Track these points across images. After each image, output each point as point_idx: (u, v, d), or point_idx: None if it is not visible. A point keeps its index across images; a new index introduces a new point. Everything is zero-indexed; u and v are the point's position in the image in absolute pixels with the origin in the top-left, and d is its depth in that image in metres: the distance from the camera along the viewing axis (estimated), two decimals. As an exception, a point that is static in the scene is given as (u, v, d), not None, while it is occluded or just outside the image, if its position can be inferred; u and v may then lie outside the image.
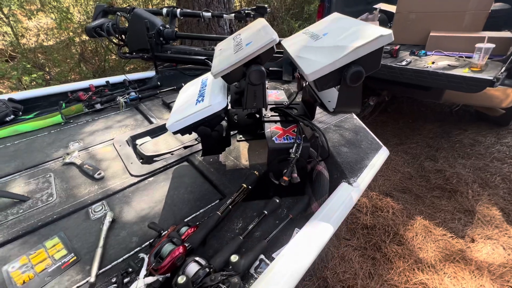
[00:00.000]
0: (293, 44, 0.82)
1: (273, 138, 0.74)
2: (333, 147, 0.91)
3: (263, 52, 0.61)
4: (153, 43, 1.78)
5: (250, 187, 0.78)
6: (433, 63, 2.05)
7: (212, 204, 0.83)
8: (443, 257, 1.64)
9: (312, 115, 0.84)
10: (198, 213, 0.80)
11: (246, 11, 1.81)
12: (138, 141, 1.20)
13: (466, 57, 2.14)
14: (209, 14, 1.89)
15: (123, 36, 1.98)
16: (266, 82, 1.63)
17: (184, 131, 0.75)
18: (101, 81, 1.71)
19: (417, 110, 3.30)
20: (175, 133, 0.75)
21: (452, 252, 1.66)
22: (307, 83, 0.86)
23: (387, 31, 0.57)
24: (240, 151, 1.10)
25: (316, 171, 0.81)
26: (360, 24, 0.67)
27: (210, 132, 0.76)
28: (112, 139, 1.23)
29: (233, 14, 1.86)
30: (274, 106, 0.91)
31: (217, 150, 0.87)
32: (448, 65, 2.00)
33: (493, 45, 1.78)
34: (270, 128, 0.80)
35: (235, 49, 0.70)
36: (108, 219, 0.77)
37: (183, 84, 1.81)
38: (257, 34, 0.69)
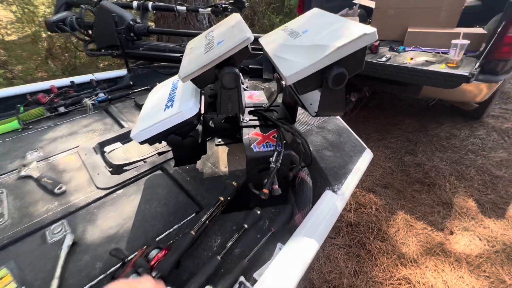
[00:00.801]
0: (271, 42, 0.75)
1: (252, 146, 0.68)
2: (316, 151, 0.87)
3: (236, 52, 0.54)
4: (123, 39, 1.65)
5: (228, 198, 0.71)
6: (411, 59, 2.07)
7: (188, 218, 0.76)
8: (424, 251, 1.68)
9: (293, 118, 0.78)
10: (172, 229, 0.73)
11: (223, 5, 1.72)
12: (107, 148, 1.10)
13: (442, 52, 2.18)
14: (184, 8, 1.78)
15: (89, 31, 1.82)
16: (246, 80, 1.56)
17: (152, 141, 0.67)
18: (64, 81, 1.56)
19: (396, 105, 3.37)
20: (141, 143, 0.66)
21: (433, 245, 1.70)
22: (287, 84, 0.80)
23: (371, 29, 0.52)
24: (218, 157, 1.03)
25: (299, 178, 0.76)
26: (342, 21, 0.62)
27: (181, 141, 0.69)
28: (77, 146, 1.11)
29: (209, 8, 1.76)
30: (252, 108, 0.85)
31: (191, 159, 0.79)
32: (426, 61, 2.02)
33: (468, 41, 1.82)
34: (249, 134, 0.73)
35: (206, 48, 0.62)
36: (67, 243, 0.68)
37: (158, 84, 1.71)
38: (230, 32, 0.62)
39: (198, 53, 0.62)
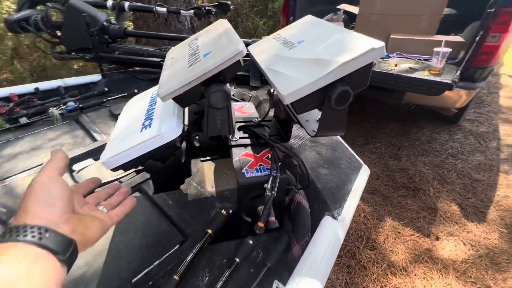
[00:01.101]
0: (263, 52, 0.68)
1: (243, 170, 0.60)
2: (311, 169, 0.80)
3: (227, 67, 0.46)
4: (96, 41, 1.50)
5: (217, 230, 0.63)
6: (396, 65, 2.09)
7: (171, 251, 0.66)
8: (413, 258, 1.68)
9: (288, 136, 0.71)
10: (152, 266, 0.63)
11: (207, 8, 1.63)
12: (76, 166, 0.97)
13: (424, 59, 2.22)
14: (164, 9, 1.67)
15: (58, 32, 1.65)
16: (232, 88, 1.48)
17: (126, 167, 0.57)
18: (27, 87, 1.39)
19: (379, 109, 3.42)
20: (114, 170, 0.56)
21: (420, 252, 1.70)
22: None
23: (379, 43, 0.47)
24: (204, 174, 0.94)
25: (295, 202, 0.69)
26: (343, 32, 0.56)
27: (161, 166, 0.59)
28: (41, 164, 0.98)
29: (192, 10, 1.66)
30: (242, 124, 0.77)
31: (173, 185, 0.69)
32: (410, 67, 2.05)
33: (450, 49, 1.85)
34: (239, 156, 0.65)
35: (190, 60, 0.54)
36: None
37: (135, 91, 1.58)
38: (217, 42, 0.54)
39: (180, 66, 0.53)
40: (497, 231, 1.81)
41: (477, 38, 1.92)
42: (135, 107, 0.75)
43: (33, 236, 0.31)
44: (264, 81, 1.43)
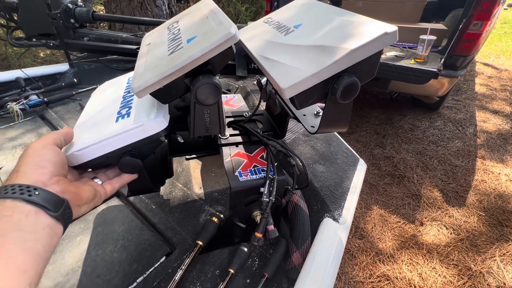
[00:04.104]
0: (254, 38, 0.60)
1: (236, 173, 0.53)
2: (307, 166, 0.75)
3: (216, 55, 0.38)
4: (60, 26, 1.33)
5: (208, 240, 0.56)
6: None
7: (156, 265, 0.59)
8: (399, 245, 1.71)
9: (283, 132, 0.65)
10: (135, 284, 0.56)
11: (186, -11, 1.49)
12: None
13: (409, 47, 2.21)
14: (138, -10, 1.51)
15: (14, 15, 1.45)
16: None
17: (95, 164, 0.47)
18: (-20, 79, 1.22)
19: (363, 98, 3.44)
20: (77, 167, 0.47)
21: (406, 239, 1.74)
22: (272, 89, 0.66)
23: (391, 27, 0.40)
24: (190, 174, 0.86)
25: (292, 204, 0.64)
26: (346, 14, 0.49)
27: (141, 165, 0.50)
28: (0, 168, 0.85)
29: (169, -8, 1.51)
30: (232, 119, 0.69)
31: (152, 187, 0.60)
32: (395, 56, 2.04)
33: (435, 37, 1.85)
34: (231, 156, 0.58)
35: (171, 46, 0.45)
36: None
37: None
38: (203, 25, 0.45)
39: (159, 54, 0.45)
40: (476, 214, 1.89)
41: (460, 26, 1.93)
42: (107, 93, 0.64)
43: (22, 193, 0.32)
44: (251, 70, 1.34)
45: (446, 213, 1.91)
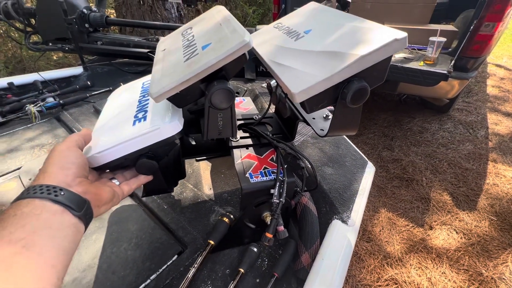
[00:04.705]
0: (265, 43, 0.62)
1: (247, 175, 0.55)
2: (316, 168, 0.76)
3: (230, 62, 0.40)
4: (76, 31, 1.38)
5: (219, 240, 0.58)
6: (391, 55, 2.06)
7: (168, 263, 0.61)
8: (408, 248, 1.70)
9: (293, 134, 0.66)
10: (148, 281, 0.58)
11: (196, -6, 1.52)
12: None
13: (418, 49, 2.19)
14: (149, -5, 1.55)
15: (32, 20, 1.51)
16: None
17: (114, 165, 0.49)
18: (0, 82, 1.27)
19: (371, 99, 3.42)
20: (97, 169, 0.49)
21: (415, 242, 1.73)
22: (282, 92, 0.67)
23: (401, 34, 0.41)
24: (200, 175, 0.88)
25: (301, 205, 0.65)
26: (355, 20, 0.50)
27: (157, 166, 0.52)
28: (18, 168, 0.89)
29: (179, -3, 1.55)
30: (242, 122, 0.71)
31: (166, 187, 0.62)
32: (404, 57, 2.02)
33: (445, 39, 1.83)
34: (241, 158, 0.60)
35: (186, 53, 0.47)
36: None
37: (121, 84, 1.48)
38: (217, 32, 0.47)
39: (175, 60, 0.47)
40: (487, 219, 1.85)
41: (471, 27, 1.90)
42: (123, 97, 0.66)
43: (49, 193, 0.34)
44: (259, 73, 1.36)
45: (457, 217, 1.88)
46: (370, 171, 0.78)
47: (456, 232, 1.78)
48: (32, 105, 1.15)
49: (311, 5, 0.68)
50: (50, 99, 1.20)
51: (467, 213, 1.90)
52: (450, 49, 2.14)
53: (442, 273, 1.55)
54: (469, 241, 1.72)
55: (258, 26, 1.35)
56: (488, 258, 1.61)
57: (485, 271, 1.55)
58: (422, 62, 1.90)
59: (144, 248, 0.65)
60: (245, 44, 0.38)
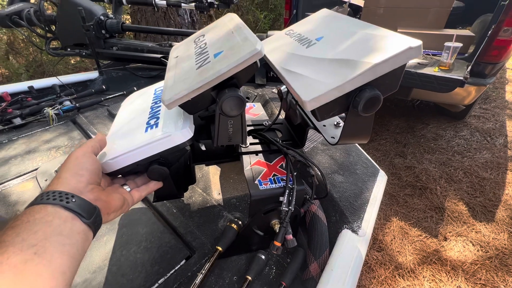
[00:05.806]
0: (276, 50, 0.62)
1: (256, 182, 0.55)
2: (326, 176, 0.75)
3: (242, 70, 0.40)
4: (93, 37, 1.43)
5: (227, 246, 0.57)
6: (404, 61, 2.02)
7: (176, 268, 0.61)
8: (421, 260, 1.64)
9: (303, 141, 0.66)
10: (156, 285, 0.58)
11: (209, 0, 1.55)
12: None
13: (432, 54, 2.15)
14: (164, 2, 1.59)
15: (52, 27, 1.58)
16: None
17: (125, 171, 0.51)
18: (21, 86, 1.32)
19: (383, 105, 3.34)
20: (110, 175, 0.50)
21: (428, 254, 1.67)
22: (293, 99, 0.67)
23: (416, 42, 0.41)
24: (209, 180, 0.88)
25: (310, 213, 0.64)
26: (369, 28, 0.50)
27: (168, 172, 0.53)
28: (36, 169, 0.92)
29: (193, 4, 1.58)
30: (252, 128, 0.71)
31: (176, 193, 0.63)
32: (418, 63, 1.98)
33: (461, 44, 1.78)
34: (251, 164, 0.60)
35: (198, 60, 0.47)
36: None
37: (135, 89, 1.51)
38: (229, 40, 0.47)
39: (187, 68, 0.47)
40: (506, 231, 1.77)
41: (489, 32, 1.85)
42: (136, 103, 0.68)
43: (61, 200, 0.35)
44: (269, 78, 1.36)
45: (473, 229, 1.81)
46: (382, 179, 0.76)
47: (473, 244, 1.71)
48: (50, 108, 1.19)
49: (323, 12, 0.67)
50: (67, 102, 1.25)
51: (484, 225, 1.82)
52: (466, 55, 2.08)
53: (458, 286, 1.49)
54: (486, 254, 1.65)
55: (269, 32, 1.36)
56: (507, 273, 1.53)
57: (504, 286, 1.47)
58: (436, 68, 1.85)
59: (153, 251, 0.66)
60: (256, 53, 0.39)
